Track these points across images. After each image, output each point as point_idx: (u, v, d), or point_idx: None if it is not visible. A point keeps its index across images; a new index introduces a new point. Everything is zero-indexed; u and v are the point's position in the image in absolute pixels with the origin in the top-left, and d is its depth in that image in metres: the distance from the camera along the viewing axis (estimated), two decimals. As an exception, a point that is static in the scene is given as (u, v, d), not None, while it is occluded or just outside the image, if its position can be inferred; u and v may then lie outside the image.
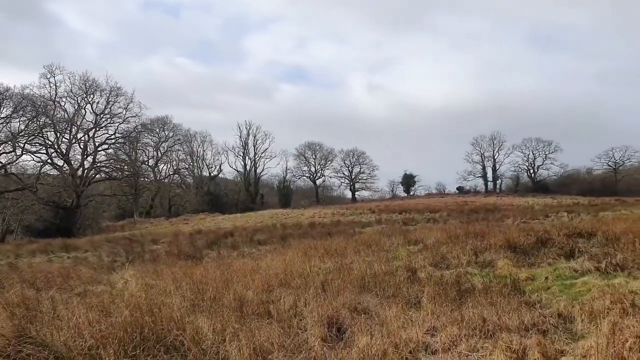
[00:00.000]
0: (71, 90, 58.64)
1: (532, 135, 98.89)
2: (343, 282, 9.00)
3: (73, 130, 59.33)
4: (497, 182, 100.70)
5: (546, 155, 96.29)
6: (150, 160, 79.84)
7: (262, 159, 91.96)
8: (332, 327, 6.36)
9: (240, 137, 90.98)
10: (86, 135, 60.82)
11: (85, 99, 59.87)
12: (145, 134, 72.57)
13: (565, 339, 5.60)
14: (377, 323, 6.40)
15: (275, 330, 6.08)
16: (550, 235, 13.04)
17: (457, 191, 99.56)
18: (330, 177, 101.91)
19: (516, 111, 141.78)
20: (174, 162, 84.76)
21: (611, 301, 6.76)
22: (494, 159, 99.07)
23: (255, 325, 6.36)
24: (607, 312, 6.28)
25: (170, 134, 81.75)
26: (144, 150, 76.52)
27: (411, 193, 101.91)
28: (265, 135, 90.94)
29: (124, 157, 69.48)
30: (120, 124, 62.95)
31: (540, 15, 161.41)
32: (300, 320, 6.85)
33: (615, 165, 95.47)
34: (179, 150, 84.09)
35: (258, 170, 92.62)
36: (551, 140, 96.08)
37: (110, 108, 61.29)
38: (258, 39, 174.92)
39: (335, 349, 5.57)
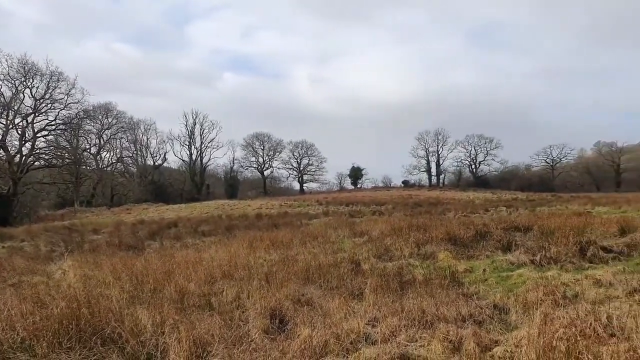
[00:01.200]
0: (8, 74, 55.49)
1: (475, 131, 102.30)
2: (287, 274, 9.00)
3: (10, 115, 56.32)
4: (441, 176, 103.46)
5: (487, 151, 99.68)
6: (92, 148, 77.34)
7: (209, 149, 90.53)
8: (275, 318, 6.37)
9: (186, 125, 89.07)
10: (24, 121, 57.76)
11: (24, 83, 56.72)
12: (88, 121, 69.64)
13: (500, 329, 5.81)
14: (320, 314, 6.44)
15: (216, 322, 6.05)
16: (489, 228, 13.48)
17: (402, 185, 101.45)
18: (279, 169, 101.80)
19: (458, 107, 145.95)
20: (117, 150, 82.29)
21: (544, 293, 7.05)
22: (438, 154, 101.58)
23: (196, 317, 6.30)
24: (540, 304, 6.55)
25: (114, 122, 79.09)
26: (85, 138, 73.90)
27: (358, 186, 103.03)
28: (212, 124, 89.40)
29: (64, 144, 66.79)
30: (61, 110, 60.07)
31: (479, 12, 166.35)
32: (243, 312, 6.84)
33: (552, 163, 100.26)
34: (122, 138, 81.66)
35: (204, 160, 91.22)
36: (492, 137, 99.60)
37: (50, 93, 58.40)
38: (203, 26, 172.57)
39: (276, 340, 5.57)
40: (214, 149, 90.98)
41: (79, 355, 5.04)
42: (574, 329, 5.29)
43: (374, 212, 38.05)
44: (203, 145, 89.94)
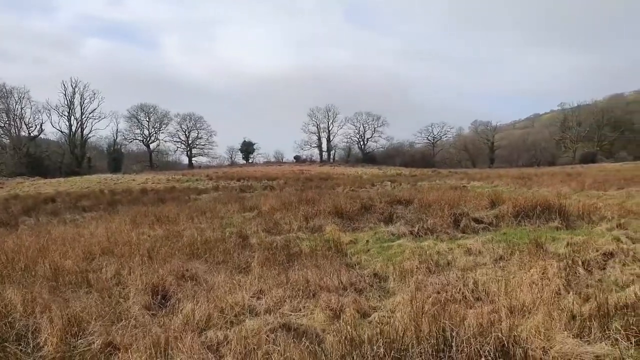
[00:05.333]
0: None
1: (363, 109, 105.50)
2: (172, 249, 8.80)
3: None
4: (331, 152, 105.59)
5: (375, 128, 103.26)
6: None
7: (90, 120, 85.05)
8: (157, 294, 6.21)
9: (65, 95, 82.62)
10: None
11: None
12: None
13: (379, 296, 6.12)
14: (205, 289, 6.36)
15: (94, 299, 5.79)
16: (374, 202, 14.02)
17: (294, 160, 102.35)
18: (166, 142, 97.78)
19: (340, 83, 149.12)
20: (-14, 120, 74.71)
21: (419, 261, 7.51)
22: (329, 130, 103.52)
23: (72, 296, 5.99)
24: (416, 271, 6.97)
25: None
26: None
27: (250, 161, 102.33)
28: (94, 94, 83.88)
29: None
30: None
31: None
32: (123, 289, 6.60)
33: (433, 140, 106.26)
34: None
35: (85, 132, 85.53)
36: (379, 114, 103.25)
37: None
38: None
39: (158, 316, 5.44)
40: (96, 120, 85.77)
41: None
42: (444, 294, 5.71)
43: (265, 187, 38.03)
44: (84, 116, 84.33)
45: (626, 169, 47.73)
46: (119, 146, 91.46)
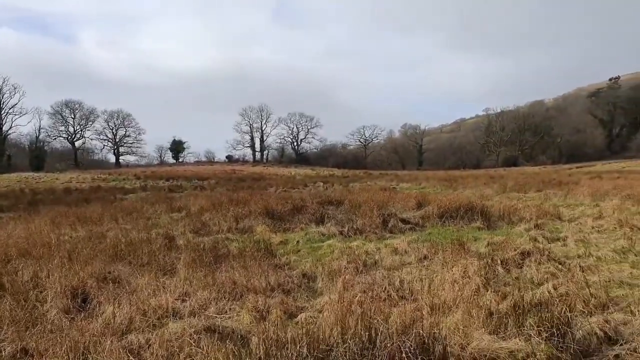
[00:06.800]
0: None
1: (297, 110, 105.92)
2: (94, 251, 8.46)
3: None
4: (265, 152, 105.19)
5: (308, 129, 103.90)
6: None
7: (10, 115, 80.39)
8: (77, 298, 5.98)
9: (-18, 88, 77.58)
10: None
11: None
12: None
13: (307, 296, 6.14)
14: (128, 292, 6.14)
15: (7, 304, 5.47)
16: (305, 203, 14.07)
17: (226, 159, 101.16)
18: (92, 139, 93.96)
19: (267, 82, 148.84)
20: None
21: (348, 261, 7.62)
22: (262, 130, 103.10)
23: (-18, 300, 5.63)
24: (344, 271, 7.04)
25: None
26: None
27: (180, 160, 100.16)
28: (14, 88, 79.35)
29: None
30: None
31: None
32: (41, 292, 6.29)
33: (365, 142, 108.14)
34: None
35: (4, 128, 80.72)
36: (313, 115, 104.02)
37: None
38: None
39: (77, 320, 5.20)
40: (17, 116, 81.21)
41: None
42: (371, 293, 5.80)
43: (195, 187, 37.31)
44: (3, 112, 79.59)
45: (544, 172, 50.52)
46: (41, 144, 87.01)
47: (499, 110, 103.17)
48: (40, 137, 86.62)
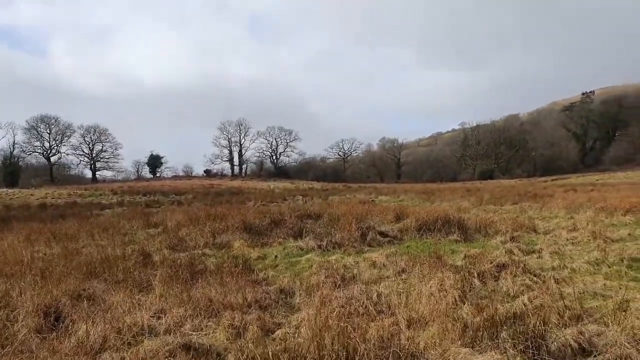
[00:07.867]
0: None
1: (275, 123, 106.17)
2: (68, 268, 8.28)
3: None
4: (243, 166, 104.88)
5: (287, 143, 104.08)
6: None
7: (-17, 131, 78.79)
8: (49, 316, 5.83)
9: (-48, 102, 76.16)
10: None
11: None
12: None
13: (284, 312, 6.09)
14: (102, 309, 6.02)
15: (-25, 324, 5.32)
16: (284, 216, 14.02)
17: (204, 174, 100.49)
18: (68, 155, 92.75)
19: (243, 95, 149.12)
20: None
21: (326, 276, 7.57)
22: (240, 144, 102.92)
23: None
24: (322, 286, 7.01)
25: None
26: None
27: (158, 175, 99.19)
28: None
29: None
30: None
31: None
32: (12, 311, 6.10)
33: (344, 155, 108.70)
34: None
35: (-23, 143, 79.14)
36: (292, 129, 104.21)
37: None
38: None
39: (48, 339, 5.08)
40: (-11, 132, 79.56)
41: None
42: (348, 308, 5.78)
43: (173, 202, 36.91)
44: (-25, 127, 78.02)
45: (520, 185, 51.28)
46: (15, 159, 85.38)
47: (474, 124, 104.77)
48: (15, 152, 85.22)
